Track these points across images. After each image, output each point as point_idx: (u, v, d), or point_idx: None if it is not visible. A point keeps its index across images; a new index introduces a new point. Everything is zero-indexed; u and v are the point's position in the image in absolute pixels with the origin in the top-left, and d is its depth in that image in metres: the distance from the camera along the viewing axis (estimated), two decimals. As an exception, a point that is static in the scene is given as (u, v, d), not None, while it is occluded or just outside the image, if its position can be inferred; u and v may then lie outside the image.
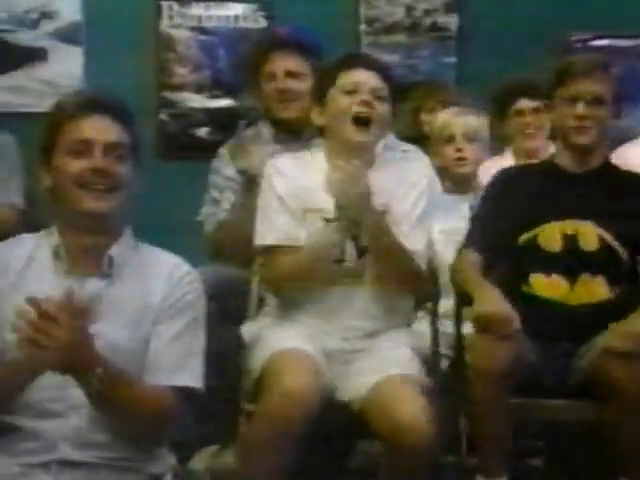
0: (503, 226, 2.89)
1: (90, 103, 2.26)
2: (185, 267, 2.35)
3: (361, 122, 2.73)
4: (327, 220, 2.74)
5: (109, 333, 2.21)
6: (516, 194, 2.93)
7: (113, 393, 2.12)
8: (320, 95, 2.83)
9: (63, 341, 2.01)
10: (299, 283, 2.75)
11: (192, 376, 2.26)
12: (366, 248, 2.75)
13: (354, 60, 2.85)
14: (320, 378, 2.62)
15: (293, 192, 2.80)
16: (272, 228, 2.78)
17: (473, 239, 2.93)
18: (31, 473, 2.10)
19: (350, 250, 2.76)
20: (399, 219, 2.78)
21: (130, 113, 2.29)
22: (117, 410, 2.15)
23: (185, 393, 2.24)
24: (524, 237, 2.87)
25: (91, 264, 2.26)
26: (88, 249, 2.27)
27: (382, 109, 2.78)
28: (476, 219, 2.99)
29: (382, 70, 2.83)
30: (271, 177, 2.84)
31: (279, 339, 2.73)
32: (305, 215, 2.78)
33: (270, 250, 2.80)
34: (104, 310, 2.23)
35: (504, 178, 3.01)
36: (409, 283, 2.81)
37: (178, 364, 2.25)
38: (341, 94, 2.76)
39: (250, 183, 3.15)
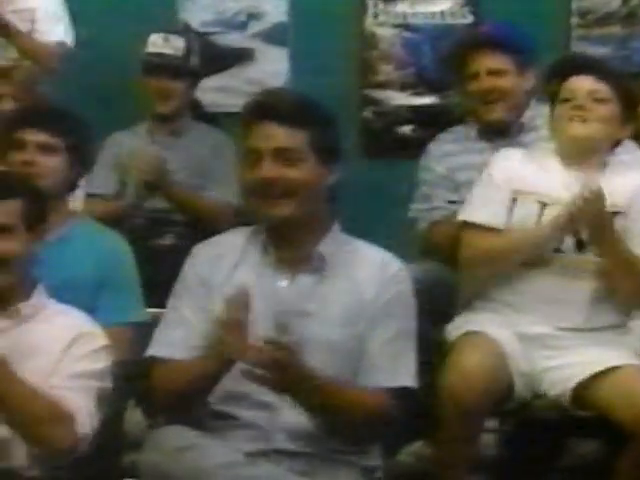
0: None
1: (259, 110, 2.27)
2: (396, 264, 2.35)
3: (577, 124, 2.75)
4: (542, 203, 2.74)
5: (323, 330, 2.25)
6: None
7: (325, 402, 2.15)
8: (551, 105, 2.86)
9: (270, 364, 2.05)
10: (498, 266, 2.74)
11: (407, 376, 2.28)
12: (586, 243, 2.72)
13: (571, 67, 2.86)
14: (501, 359, 2.62)
15: (510, 176, 2.82)
16: (479, 207, 2.81)
17: None
18: (252, 461, 2.14)
19: (569, 242, 2.73)
20: (632, 224, 2.74)
21: (308, 113, 2.27)
22: (331, 416, 2.19)
23: (400, 392, 2.26)
24: None
25: (300, 260, 2.30)
26: (295, 246, 2.30)
27: (601, 110, 2.76)
28: None
29: (601, 71, 2.81)
30: (492, 164, 2.89)
31: (468, 324, 2.74)
32: (518, 196, 2.78)
33: (471, 228, 2.81)
34: (317, 306, 2.27)
35: None
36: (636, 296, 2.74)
37: (394, 365, 2.26)
38: (560, 103, 2.80)
39: None
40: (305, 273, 2.29)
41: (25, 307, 2.38)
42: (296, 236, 2.29)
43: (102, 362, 2.36)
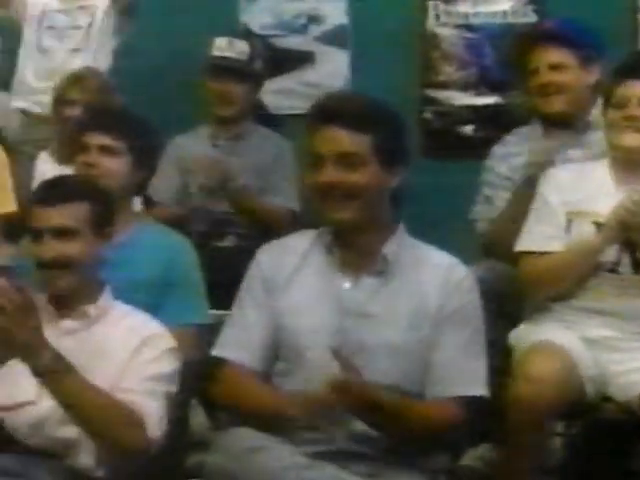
0: None
1: (324, 113, 2.26)
2: (462, 270, 2.33)
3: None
4: (597, 224, 2.70)
5: (387, 333, 2.24)
6: None
7: (392, 422, 2.15)
8: (604, 107, 2.82)
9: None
10: (557, 284, 2.71)
11: (478, 385, 2.27)
12: None
13: (623, 71, 2.80)
14: (570, 365, 2.58)
15: (563, 198, 2.78)
16: (532, 235, 2.78)
17: None
18: (316, 463, 2.13)
19: (625, 261, 2.70)
20: None
21: (373, 117, 2.24)
22: (400, 432, 2.18)
23: (471, 401, 2.25)
24: None
25: (365, 262, 2.29)
26: (359, 248, 2.29)
27: None
28: None
29: None
30: (545, 185, 2.85)
31: (532, 334, 2.71)
32: (573, 217, 2.75)
33: (529, 255, 2.78)
34: (380, 309, 2.26)
35: None
36: None
37: (464, 374, 2.25)
38: (613, 108, 2.76)
39: (526, 181, 3.11)
40: (369, 275, 2.28)
41: (92, 309, 2.41)
42: (360, 238, 2.29)
43: (170, 365, 2.38)
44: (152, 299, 2.64)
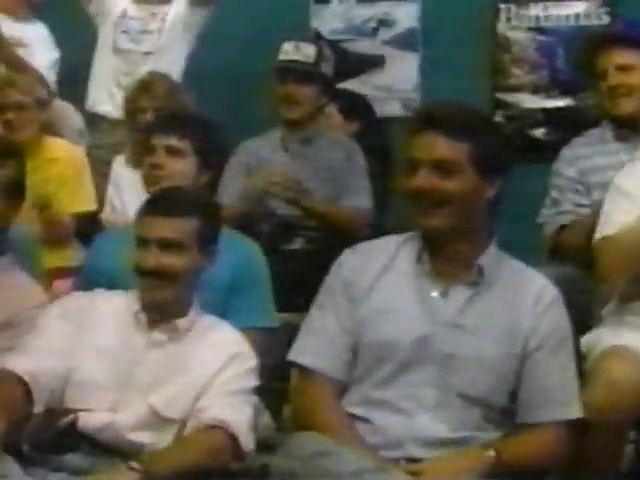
0: None
1: (424, 119, 2.25)
2: (553, 290, 2.31)
3: None
4: None
5: (477, 345, 2.22)
6: None
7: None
8: None
9: None
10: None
11: (577, 406, 2.29)
12: None
13: None
14: None
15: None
16: (609, 222, 2.67)
17: None
18: (383, 469, 2.10)
19: None
20: None
21: (472, 126, 2.22)
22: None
23: (572, 423, 2.27)
24: None
25: (457, 271, 2.25)
26: (452, 257, 2.25)
27: None
28: None
29: None
30: (621, 176, 2.75)
31: (610, 339, 2.63)
32: None
33: (605, 239, 2.67)
34: (472, 320, 2.23)
35: None
36: None
37: (566, 397, 2.27)
38: None
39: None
40: (461, 285, 2.24)
41: (183, 323, 2.43)
42: (453, 247, 2.24)
43: (254, 380, 2.41)
44: (220, 302, 2.65)
